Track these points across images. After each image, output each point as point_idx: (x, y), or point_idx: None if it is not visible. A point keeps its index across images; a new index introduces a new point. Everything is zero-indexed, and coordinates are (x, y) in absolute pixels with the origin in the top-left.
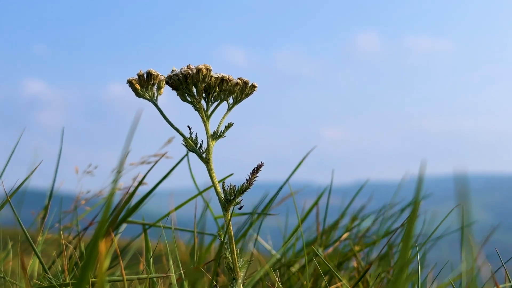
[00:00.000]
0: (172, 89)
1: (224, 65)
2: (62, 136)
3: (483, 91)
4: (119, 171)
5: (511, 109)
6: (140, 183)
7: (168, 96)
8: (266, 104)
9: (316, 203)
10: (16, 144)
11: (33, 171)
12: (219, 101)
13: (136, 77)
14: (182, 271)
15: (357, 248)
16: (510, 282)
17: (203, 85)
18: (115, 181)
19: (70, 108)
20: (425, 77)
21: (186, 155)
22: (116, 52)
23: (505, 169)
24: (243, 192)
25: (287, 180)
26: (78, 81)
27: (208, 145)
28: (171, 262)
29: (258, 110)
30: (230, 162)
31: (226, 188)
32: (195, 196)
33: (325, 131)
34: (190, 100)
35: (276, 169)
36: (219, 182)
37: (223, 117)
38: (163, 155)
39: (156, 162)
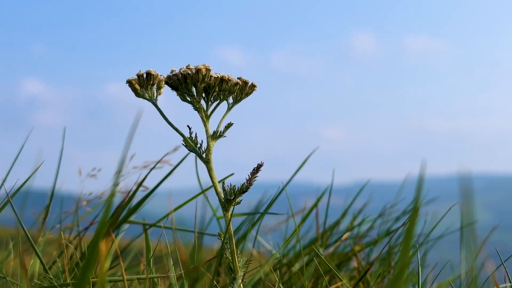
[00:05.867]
0: (172, 89)
1: (222, 65)
2: (63, 136)
3: (483, 90)
4: (118, 173)
5: (510, 109)
6: (140, 184)
7: (168, 96)
8: (266, 104)
9: (316, 205)
10: (21, 147)
11: (34, 171)
12: (218, 101)
13: (136, 77)
14: (182, 271)
15: (357, 248)
16: (510, 282)
17: (203, 85)
18: (116, 182)
19: (68, 108)
20: (424, 77)
21: (187, 155)
22: (113, 52)
23: (505, 169)
24: (243, 192)
25: (289, 181)
26: (77, 81)
27: (208, 145)
28: (171, 262)
29: (258, 110)
30: (230, 162)
31: (226, 188)
32: (196, 196)
33: (325, 131)
34: (189, 100)
35: (276, 169)
36: (219, 182)
37: (223, 117)
38: (160, 160)
39: (154, 166)
